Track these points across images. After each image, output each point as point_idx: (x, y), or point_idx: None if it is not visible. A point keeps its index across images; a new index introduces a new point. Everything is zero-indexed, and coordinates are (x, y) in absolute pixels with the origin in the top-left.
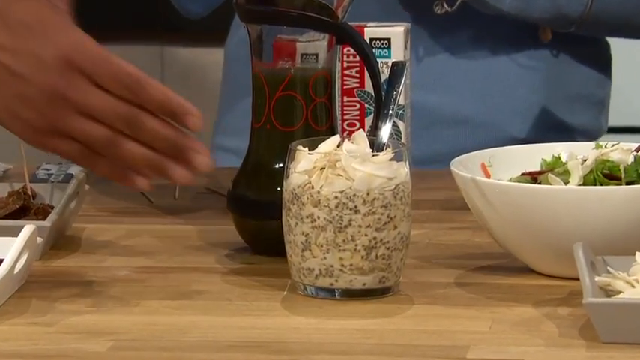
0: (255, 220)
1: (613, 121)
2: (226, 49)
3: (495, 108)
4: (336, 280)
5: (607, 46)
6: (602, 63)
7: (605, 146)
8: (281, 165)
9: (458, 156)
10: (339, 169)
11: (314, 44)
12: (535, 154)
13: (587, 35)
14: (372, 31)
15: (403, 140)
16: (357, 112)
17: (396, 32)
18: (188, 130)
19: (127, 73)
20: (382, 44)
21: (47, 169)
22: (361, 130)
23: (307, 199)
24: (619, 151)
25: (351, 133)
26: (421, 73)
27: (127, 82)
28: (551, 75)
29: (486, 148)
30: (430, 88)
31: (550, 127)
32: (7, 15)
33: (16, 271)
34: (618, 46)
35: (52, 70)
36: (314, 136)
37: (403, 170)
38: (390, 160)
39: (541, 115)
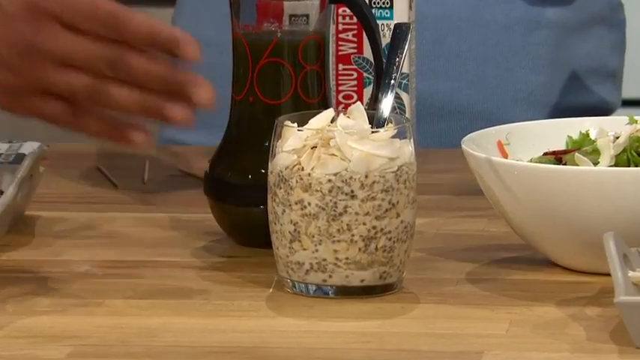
0: (237, 206)
1: (627, 92)
2: (173, 23)
3: (493, 95)
4: (330, 276)
5: (620, 6)
6: (615, 27)
7: None
8: (266, 143)
9: None
10: (333, 148)
11: (304, 4)
12: (559, 131)
13: None
14: None
15: (407, 114)
16: (354, 82)
17: None
18: (185, 62)
19: (103, 10)
20: (383, 3)
21: None
22: (358, 102)
23: (296, 182)
24: None
25: (347, 106)
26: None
27: (104, 19)
28: (556, 49)
29: None
30: (417, 74)
31: (557, 111)
32: None
33: None
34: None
35: (16, 19)
36: (304, 109)
37: (407, 149)
38: (392, 137)
39: (546, 98)
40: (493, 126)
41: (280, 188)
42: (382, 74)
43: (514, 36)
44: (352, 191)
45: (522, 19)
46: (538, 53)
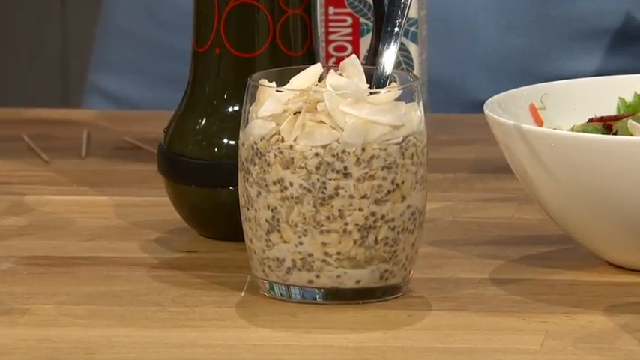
0: (199, 188)
1: None
2: None
3: (455, 59)
4: (318, 276)
5: None
6: None
7: None
8: (236, 108)
9: None
10: (322, 114)
11: None
12: (608, 91)
13: None
14: None
15: (415, 71)
16: (349, 31)
17: None
18: None
19: None
20: None
21: None
22: (354, 56)
23: (275, 157)
24: None
25: (339, 60)
26: None
27: None
28: (540, 5)
29: (445, 111)
30: None
31: (534, 83)
32: None
33: None
34: None
35: None
36: (284, 64)
37: (415, 115)
38: (396, 99)
39: (523, 66)
40: (453, 99)
41: (254, 164)
42: (384, 20)
43: None
44: (345, 168)
45: None
46: (516, 9)
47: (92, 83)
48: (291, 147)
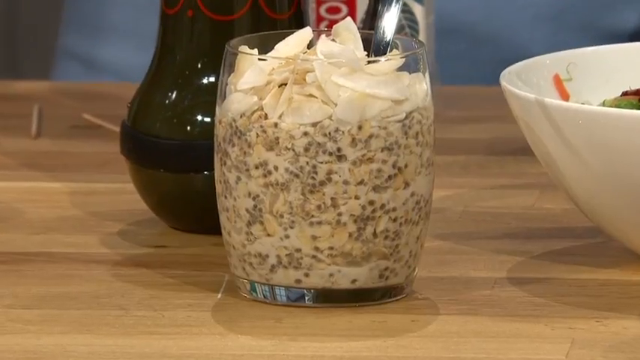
0: (169, 172)
1: None
2: None
3: (506, 10)
4: (307, 275)
5: None
6: None
7: None
8: (212, 79)
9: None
10: (311, 86)
11: None
12: None
13: None
14: None
15: (421, 36)
16: None
17: None
18: None
19: None
20: None
21: None
22: (349, 19)
23: (257, 136)
24: None
25: (331, 23)
26: None
27: None
28: None
29: (491, 73)
30: None
31: (600, 38)
32: None
33: None
34: None
35: None
36: (268, 28)
37: (420, 87)
38: (399, 70)
39: (584, 18)
40: (501, 53)
41: (233, 145)
42: None
43: None
44: (339, 150)
45: None
46: None
47: (63, 48)
48: (275, 125)
